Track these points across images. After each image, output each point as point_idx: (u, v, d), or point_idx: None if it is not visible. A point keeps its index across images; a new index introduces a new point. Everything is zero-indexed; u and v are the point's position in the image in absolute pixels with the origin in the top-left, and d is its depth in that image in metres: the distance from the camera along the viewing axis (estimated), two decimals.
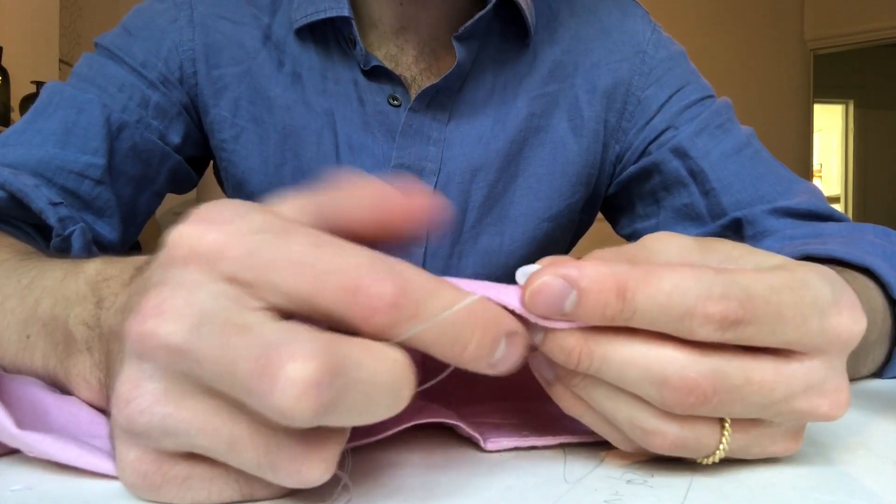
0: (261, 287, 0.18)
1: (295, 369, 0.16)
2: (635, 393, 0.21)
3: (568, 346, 0.21)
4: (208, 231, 0.19)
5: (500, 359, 0.20)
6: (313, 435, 0.18)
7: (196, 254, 0.18)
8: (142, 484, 0.19)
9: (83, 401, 0.27)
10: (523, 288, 0.21)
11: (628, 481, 0.22)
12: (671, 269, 0.21)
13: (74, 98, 0.53)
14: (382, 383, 0.18)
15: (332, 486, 0.21)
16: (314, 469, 0.18)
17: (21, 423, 0.22)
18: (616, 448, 0.25)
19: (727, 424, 0.22)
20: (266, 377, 0.16)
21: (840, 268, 0.42)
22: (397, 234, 0.22)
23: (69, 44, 2.78)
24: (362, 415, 0.18)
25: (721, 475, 0.23)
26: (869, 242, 0.45)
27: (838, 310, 0.22)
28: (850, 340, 0.22)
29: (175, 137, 0.58)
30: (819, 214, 0.53)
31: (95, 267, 0.28)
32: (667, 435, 0.21)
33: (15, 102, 2.28)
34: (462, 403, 0.29)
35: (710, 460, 0.23)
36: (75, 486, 0.21)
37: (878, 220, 0.53)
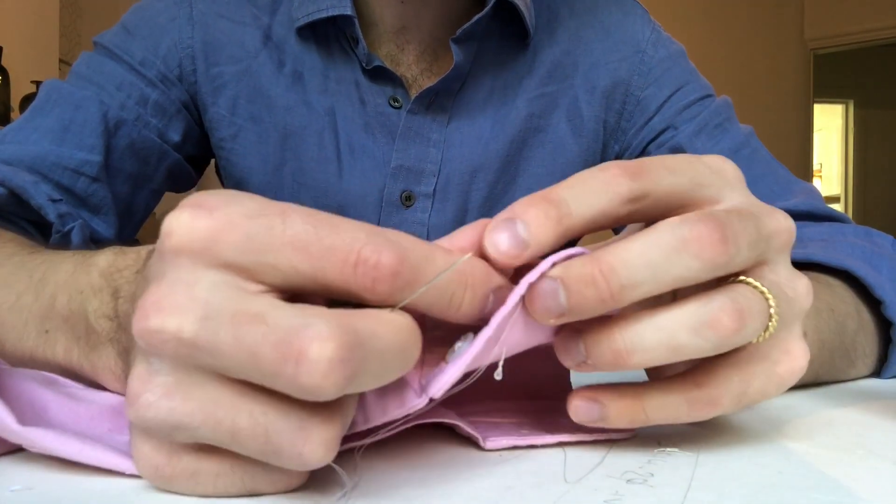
0: (259, 270, 0.19)
1: (316, 350, 0.17)
2: (677, 278, 0.21)
3: (584, 273, 0.21)
4: (199, 217, 0.19)
5: (489, 310, 0.22)
6: (312, 419, 0.19)
7: (189, 241, 0.19)
8: (154, 475, 0.20)
9: (111, 391, 0.27)
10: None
11: (628, 481, 0.22)
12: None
13: (72, 95, 0.53)
14: (395, 347, 0.19)
15: (336, 485, 0.21)
16: (315, 451, 0.19)
17: (21, 420, 0.22)
18: (618, 447, 0.25)
19: (744, 277, 0.23)
20: (290, 362, 0.17)
21: (817, 273, 0.42)
22: None
23: (69, 44, 2.78)
24: (379, 379, 0.19)
25: (721, 475, 0.23)
26: (849, 244, 0.45)
27: (707, 157, 0.25)
28: (734, 171, 0.25)
29: (174, 135, 0.58)
30: (816, 215, 0.53)
31: (107, 258, 0.28)
32: (725, 306, 0.22)
33: (15, 102, 2.28)
34: (462, 403, 0.29)
35: (774, 323, 0.23)
36: (75, 486, 0.21)
37: (877, 220, 0.53)
